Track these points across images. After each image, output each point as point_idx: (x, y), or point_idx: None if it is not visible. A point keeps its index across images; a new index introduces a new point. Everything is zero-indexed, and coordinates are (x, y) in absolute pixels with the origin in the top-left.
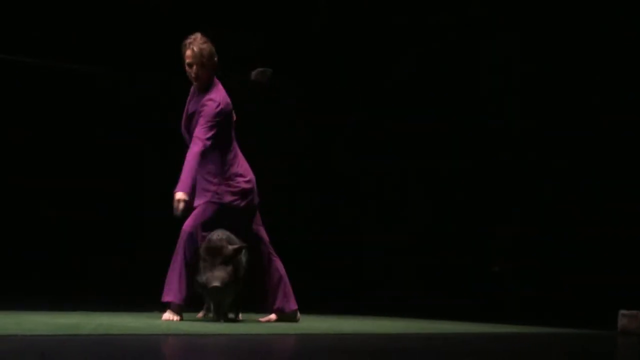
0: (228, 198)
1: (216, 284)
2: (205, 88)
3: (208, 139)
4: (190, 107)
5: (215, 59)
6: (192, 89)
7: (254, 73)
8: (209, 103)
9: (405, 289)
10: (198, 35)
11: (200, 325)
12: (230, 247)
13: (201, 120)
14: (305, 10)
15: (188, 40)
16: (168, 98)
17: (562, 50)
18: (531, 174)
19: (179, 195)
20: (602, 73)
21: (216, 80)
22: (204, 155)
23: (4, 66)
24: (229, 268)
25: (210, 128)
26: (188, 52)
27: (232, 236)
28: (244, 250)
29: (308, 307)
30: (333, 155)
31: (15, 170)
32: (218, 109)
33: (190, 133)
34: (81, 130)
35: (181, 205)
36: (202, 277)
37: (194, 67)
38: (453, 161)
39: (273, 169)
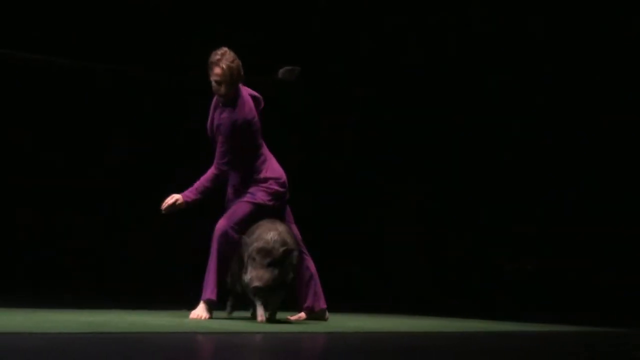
0: (262, 198)
1: (258, 284)
2: (231, 101)
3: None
4: (215, 117)
5: (242, 73)
6: (215, 98)
7: (281, 71)
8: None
9: (423, 287)
10: (226, 51)
11: (230, 324)
12: (281, 249)
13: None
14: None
15: (216, 57)
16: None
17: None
18: (556, 170)
19: (176, 195)
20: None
21: (240, 88)
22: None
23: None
24: (276, 270)
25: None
26: (217, 70)
27: (288, 237)
28: (294, 253)
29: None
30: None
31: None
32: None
33: (216, 142)
34: None
35: (170, 200)
36: (248, 276)
37: (222, 85)
38: (471, 157)
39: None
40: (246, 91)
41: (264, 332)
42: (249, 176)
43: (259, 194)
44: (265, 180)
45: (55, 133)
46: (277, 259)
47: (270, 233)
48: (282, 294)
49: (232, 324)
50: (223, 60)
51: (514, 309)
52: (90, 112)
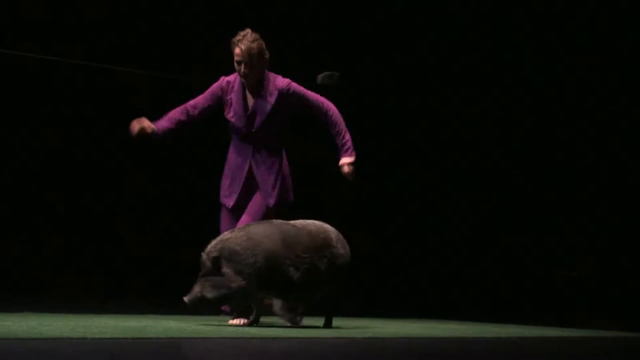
0: (285, 199)
1: (184, 298)
2: (258, 85)
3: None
4: (250, 105)
5: (266, 56)
6: (235, 83)
7: (320, 77)
8: (291, 91)
9: (471, 291)
10: (248, 32)
11: (268, 330)
12: (208, 261)
13: (311, 97)
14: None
15: (237, 38)
16: None
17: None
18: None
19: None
20: None
21: (267, 73)
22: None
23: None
24: (207, 282)
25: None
26: (237, 50)
27: (222, 243)
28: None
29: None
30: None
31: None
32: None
33: (250, 130)
34: None
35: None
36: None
37: (242, 65)
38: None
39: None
40: (274, 81)
41: (299, 337)
42: (279, 164)
43: (283, 195)
44: (287, 175)
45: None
46: (207, 271)
47: (211, 243)
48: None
49: (269, 330)
50: (243, 41)
51: (565, 315)
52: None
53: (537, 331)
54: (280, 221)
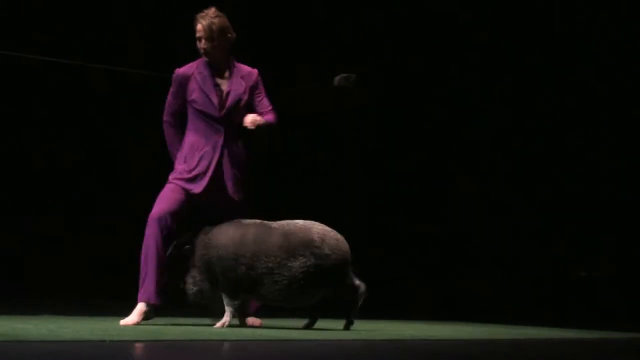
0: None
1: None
2: (225, 67)
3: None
4: (223, 86)
5: (229, 35)
6: (198, 68)
7: (337, 79)
8: (258, 80)
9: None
10: (212, 10)
11: (285, 332)
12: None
13: (265, 98)
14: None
15: (200, 14)
16: None
17: None
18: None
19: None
20: None
21: (235, 62)
22: None
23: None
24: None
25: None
26: (198, 26)
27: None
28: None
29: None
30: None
31: None
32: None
33: (222, 112)
34: None
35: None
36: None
37: (203, 41)
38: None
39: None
40: (242, 67)
41: (319, 339)
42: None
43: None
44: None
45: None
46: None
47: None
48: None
49: (285, 333)
50: (206, 16)
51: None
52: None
53: (556, 333)
54: (251, 220)
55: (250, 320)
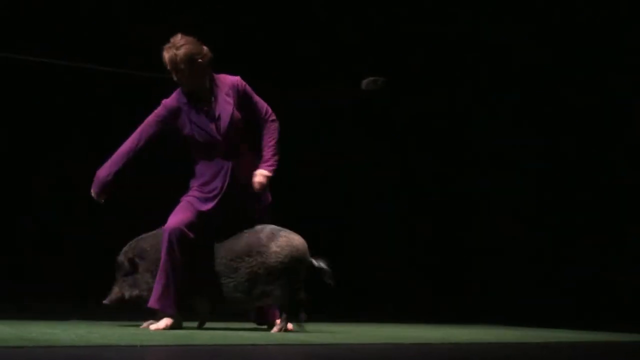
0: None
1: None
2: (204, 91)
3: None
4: (213, 111)
5: (200, 60)
6: (182, 99)
7: (364, 82)
8: (244, 88)
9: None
10: (177, 38)
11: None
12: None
13: (258, 101)
14: None
15: (167, 45)
16: None
17: None
18: None
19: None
20: None
21: (215, 80)
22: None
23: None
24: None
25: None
26: (165, 59)
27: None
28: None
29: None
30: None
31: None
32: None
33: (219, 136)
34: None
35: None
36: None
37: (173, 73)
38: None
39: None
40: (224, 80)
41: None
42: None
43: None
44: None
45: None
46: (125, 271)
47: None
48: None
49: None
50: (171, 48)
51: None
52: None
53: (588, 336)
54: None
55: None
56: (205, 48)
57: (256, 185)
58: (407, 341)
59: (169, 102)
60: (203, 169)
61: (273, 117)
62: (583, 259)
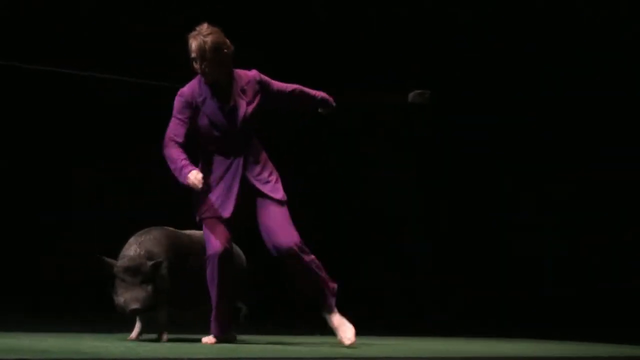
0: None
1: (135, 306)
2: (227, 84)
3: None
4: (229, 104)
5: (226, 50)
6: (199, 89)
7: (411, 95)
8: (260, 79)
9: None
10: (204, 26)
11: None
12: (149, 264)
13: (279, 85)
14: None
15: (192, 33)
16: None
17: None
18: None
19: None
20: None
21: (235, 74)
22: None
23: None
24: (150, 287)
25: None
26: (191, 47)
27: (155, 247)
28: (163, 264)
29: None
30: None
31: None
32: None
33: (233, 130)
34: None
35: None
36: (121, 298)
37: (198, 62)
38: None
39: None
40: (244, 75)
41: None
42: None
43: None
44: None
45: None
46: (148, 275)
47: (131, 248)
48: (166, 309)
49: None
50: (198, 35)
51: None
52: None
53: (627, 350)
54: (172, 229)
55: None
56: (228, 40)
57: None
58: (451, 355)
59: (186, 91)
60: (213, 164)
61: (291, 85)
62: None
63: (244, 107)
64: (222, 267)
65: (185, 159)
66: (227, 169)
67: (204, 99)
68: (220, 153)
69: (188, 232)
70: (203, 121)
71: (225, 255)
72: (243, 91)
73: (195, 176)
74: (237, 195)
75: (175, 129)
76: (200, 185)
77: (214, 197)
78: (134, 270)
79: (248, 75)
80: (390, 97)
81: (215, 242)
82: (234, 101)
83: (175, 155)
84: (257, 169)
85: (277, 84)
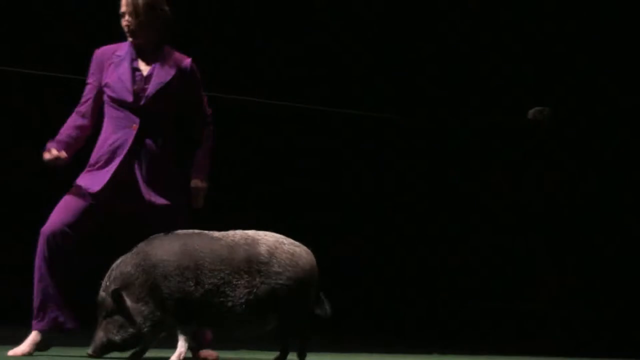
0: (177, 199)
1: (89, 351)
2: (153, 52)
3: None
4: (144, 70)
5: (160, 10)
6: (120, 49)
7: (531, 112)
8: (193, 72)
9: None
10: None
11: None
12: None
13: (203, 97)
14: None
15: None
16: None
17: None
18: None
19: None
20: None
21: (168, 49)
22: None
23: None
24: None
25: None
26: (122, 0)
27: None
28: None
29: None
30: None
31: None
32: None
33: (152, 103)
34: None
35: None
36: None
37: (126, 17)
38: None
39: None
40: (175, 55)
41: None
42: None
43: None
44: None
45: None
46: (109, 310)
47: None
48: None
49: None
50: None
51: None
52: None
53: None
54: (189, 230)
55: (204, 353)
56: (167, 6)
57: (195, 201)
58: None
59: (100, 50)
60: (105, 135)
61: (211, 120)
62: None
63: (162, 80)
64: (43, 250)
65: (66, 134)
66: (120, 142)
67: (121, 60)
68: (119, 122)
69: (219, 234)
70: (109, 79)
71: (53, 239)
72: (167, 68)
73: (50, 153)
74: (114, 174)
75: (84, 96)
76: (50, 159)
77: (93, 163)
78: (98, 306)
79: (181, 58)
80: (509, 117)
81: (52, 217)
82: (153, 69)
83: (63, 127)
84: (152, 163)
85: (202, 97)
